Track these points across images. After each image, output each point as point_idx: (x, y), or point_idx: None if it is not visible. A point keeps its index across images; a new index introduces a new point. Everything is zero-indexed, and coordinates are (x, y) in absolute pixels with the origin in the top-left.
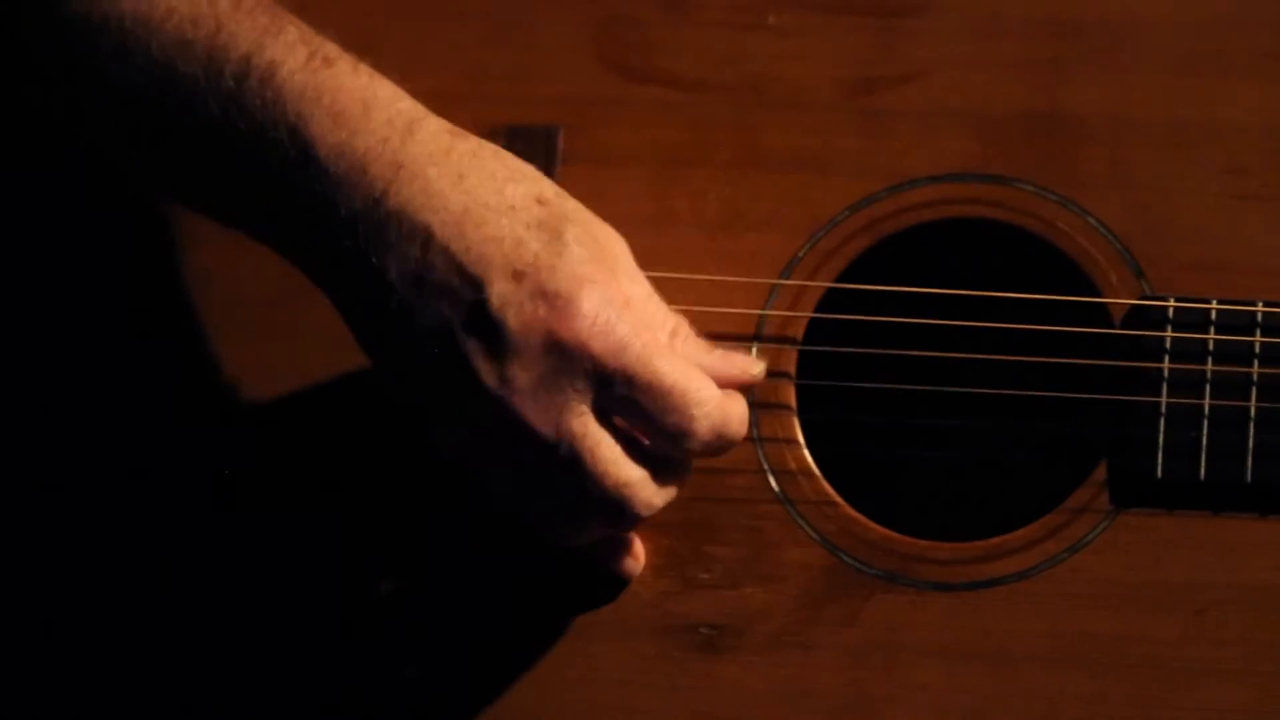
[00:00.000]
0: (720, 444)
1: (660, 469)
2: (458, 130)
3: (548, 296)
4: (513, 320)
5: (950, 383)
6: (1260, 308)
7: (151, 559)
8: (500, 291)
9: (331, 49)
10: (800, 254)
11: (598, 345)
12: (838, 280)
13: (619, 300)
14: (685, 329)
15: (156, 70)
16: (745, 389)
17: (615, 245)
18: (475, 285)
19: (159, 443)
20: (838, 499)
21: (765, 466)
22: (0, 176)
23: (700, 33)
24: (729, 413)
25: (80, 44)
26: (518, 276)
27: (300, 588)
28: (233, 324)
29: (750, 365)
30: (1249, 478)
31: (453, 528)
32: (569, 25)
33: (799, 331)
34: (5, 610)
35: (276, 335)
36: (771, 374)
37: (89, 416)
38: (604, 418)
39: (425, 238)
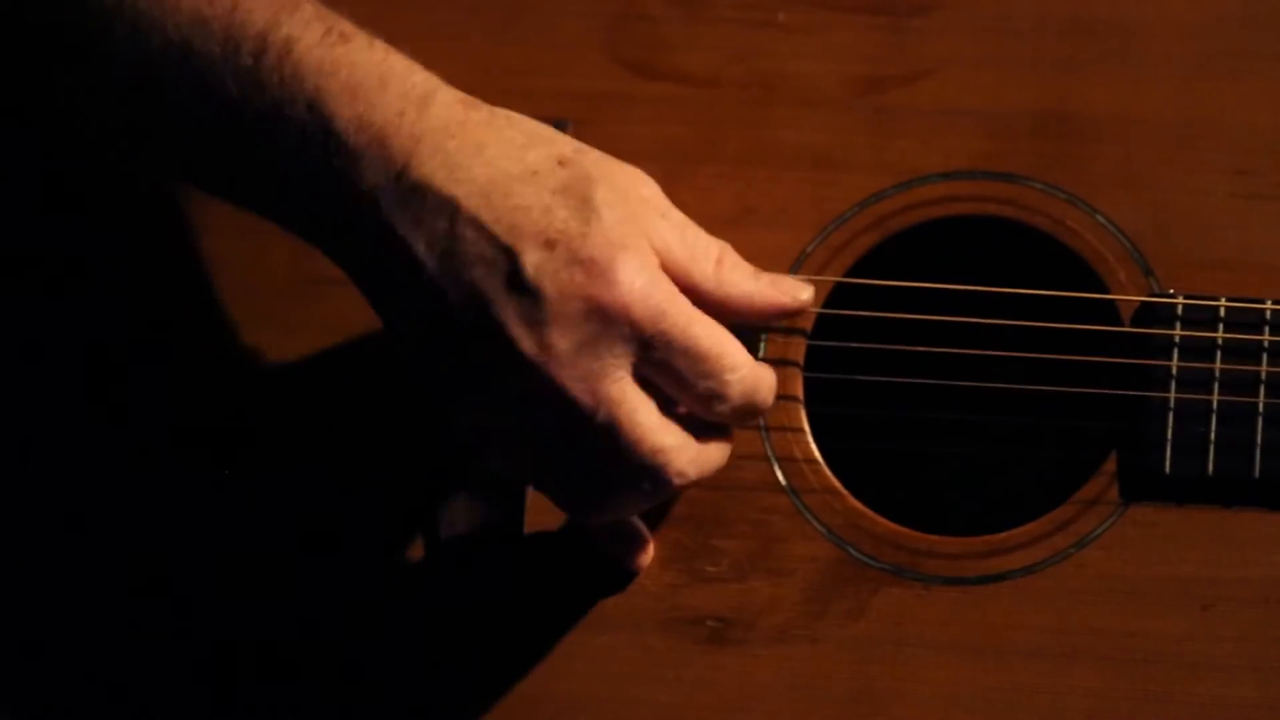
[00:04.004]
0: (750, 409)
1: (694, 438)
2: (470, 100)
3: (583, 263)
4: (549, 287)
5: (958, 378)
6: (1269, 305)
7: (158, 552)
8: (534, 260)
9: (346, 25)
10: (809, 249)
11: (637, 311)
12: (846, 275)
13: (653, 264)
14: (730, 255)
15: (172, 50)
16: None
17: (642, 187)
18: (508, 254)
19: (168, 433)
20: (844, 491)
21: (772, 457)
22: (2, 168)
23: (710, 29)
24: (759, 378)
25: (94, 26)
26: (550, 244)
27: (307, 578)
28: (241, 313)
29: (798, 290)
30: (1257, 473)
31: (462, 518)
32: (580, 20)
33: (808, 325)
34: (8, 605)
35: (285, 324)
36: (780, 364)
37: (97, 408)
38: (640, 382)
39: (452, 210)
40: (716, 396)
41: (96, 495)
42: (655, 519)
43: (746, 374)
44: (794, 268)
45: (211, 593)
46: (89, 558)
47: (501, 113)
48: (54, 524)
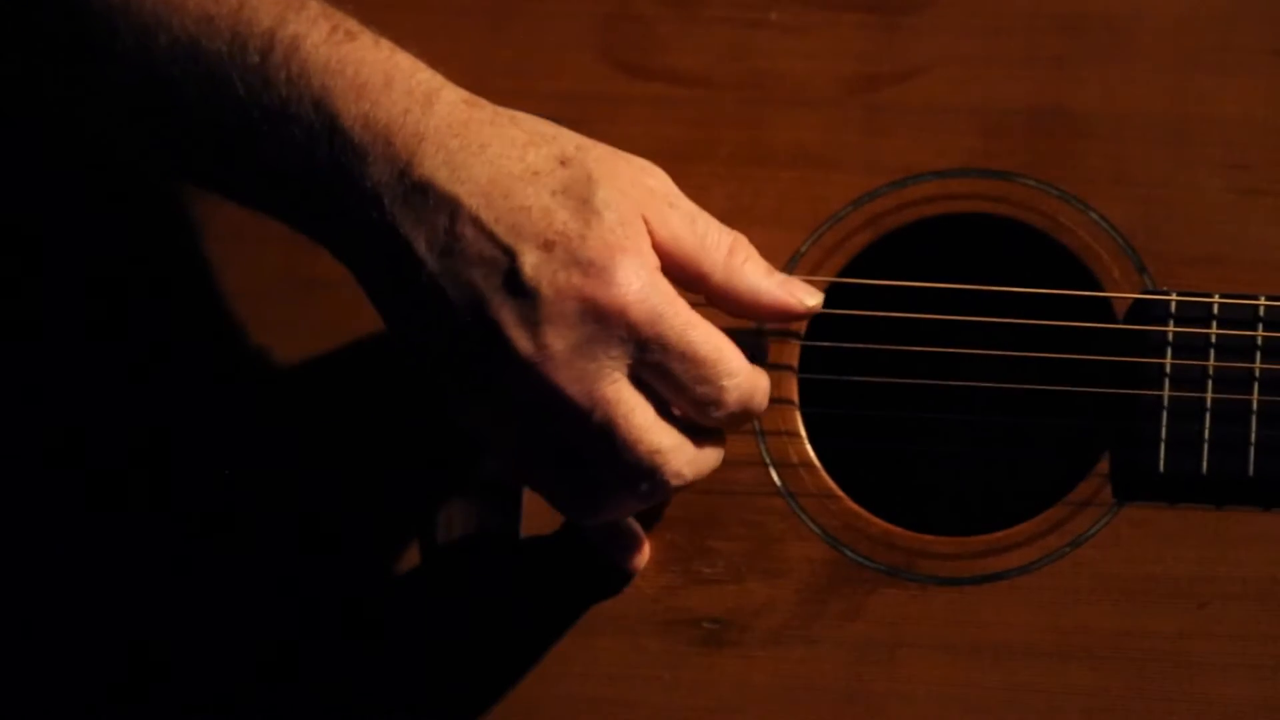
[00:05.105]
0: (745, 416)
1: (690, 439)
2: (474, 99)
3: (581, 265)
4: (546, 288)
5: (952, 377)
6: (1262, 302)
7: (157, 552)
8: (532, 261)
9: (352, 23)
10: (803, 249)
11: (633, 312)
12: (840, 275)
13: (652, 265)
14: (743, 249)
15: (180, 48)
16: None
17: (649, 178)
18: (508, 254)
19: (166, 433)
20: (839, 493)
21: (767, 460)
22: (2, 170)
23: (704, 29)
24: (756, 385)
25: (99, 24)
26: (548, 246)
27: (305, 580)
28: (237, 315)
29: (807, 295)
30: (1251, 471)
31: (459, 522)
32: (573, 20)
33: (801, 327)
34: (8, 608)
35: (281, 326)
36: (774, 367)
37: (94, 411)
38: (636, 384)
39: (453, 209)
40: (712, 402)
41: (94, 495)
42: (651, 521)
43: (743, 380)
44: (788, 267)
45: (209, 593)
46: (86, 557)
47: (505, 112)
48: (52, 522)
